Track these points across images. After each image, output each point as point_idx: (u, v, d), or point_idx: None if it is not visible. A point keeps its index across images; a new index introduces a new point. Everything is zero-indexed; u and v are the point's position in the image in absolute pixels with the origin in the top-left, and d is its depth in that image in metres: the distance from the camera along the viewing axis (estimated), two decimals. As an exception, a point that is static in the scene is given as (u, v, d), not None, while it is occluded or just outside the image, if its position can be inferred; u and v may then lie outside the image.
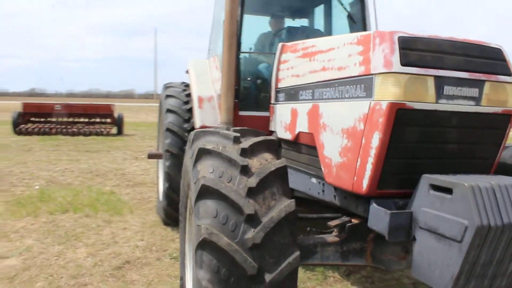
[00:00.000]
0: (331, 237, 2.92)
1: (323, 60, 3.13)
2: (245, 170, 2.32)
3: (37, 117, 19.80)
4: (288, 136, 3.78)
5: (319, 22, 6.05)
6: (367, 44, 2.59)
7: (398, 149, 2.51)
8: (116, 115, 20.59)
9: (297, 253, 2.20)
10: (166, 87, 6.18)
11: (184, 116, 5.55)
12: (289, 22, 6.03)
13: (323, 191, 3.34)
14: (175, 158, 5.29)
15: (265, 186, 2.29)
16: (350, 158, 2.75)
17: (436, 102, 2.46)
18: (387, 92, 2.42)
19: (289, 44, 3.96)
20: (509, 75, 2.64)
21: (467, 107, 2.54)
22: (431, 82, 2.45)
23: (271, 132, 4.24)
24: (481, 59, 2.58)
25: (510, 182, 2.23)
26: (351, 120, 2.73)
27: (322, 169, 3.13)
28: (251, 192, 2.24)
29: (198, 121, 5.06)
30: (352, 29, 5.24)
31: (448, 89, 2.48)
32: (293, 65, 3.73)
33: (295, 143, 3.72)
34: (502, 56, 2.66)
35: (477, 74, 2.54)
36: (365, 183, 2.62)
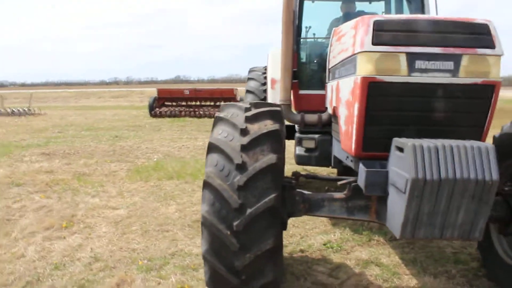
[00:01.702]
0: (338, 194, 3.41)
1: (342, 43, 3.60)
2: (243, 132, 2.96)
3: (170, 101, 22.20)
4: (330, 110, 4.28)
5: (394, 5, 6.24)
6: (356, 28, 3.03)
7: (375, 116, 2.92)
8: (238, 98, 22.12)
9: (274, 195, 2.77)
10: (249, 71, 6.96)
11: (260, 96, 6.28)
12: (364, 6, 6.31)
13: (347, 157, 3.81)
14: None
15: (255, 144, 2.90)
16: (348, 125, 3.22)
17: (409, 75, 2.81)
18: (363, 68, 2.85)
19: (336, 29, 4.42)
20: (491, 48, 2.83)
21: (441, 78, 2.82)
22: (403, 58, 2.80)
23: (326, 108, 4.72)
24: (458, 34, 2.82)
25: (456, 144, 2.53)
26: (347, 94, 3.19)
27: (340, 137, 3.62)
28: (244, 148, 2.87)
29: (269, 100, 5.72)
30: (411, 12, 5.42)
31: (420, 63, 2.80)
32: (334, 48, 4.20)
33: (334, 116, 4.20)
34: (487, 30, 2.83)
35: (451, 48, 2.80)
36: (353, 146, 3.09)
